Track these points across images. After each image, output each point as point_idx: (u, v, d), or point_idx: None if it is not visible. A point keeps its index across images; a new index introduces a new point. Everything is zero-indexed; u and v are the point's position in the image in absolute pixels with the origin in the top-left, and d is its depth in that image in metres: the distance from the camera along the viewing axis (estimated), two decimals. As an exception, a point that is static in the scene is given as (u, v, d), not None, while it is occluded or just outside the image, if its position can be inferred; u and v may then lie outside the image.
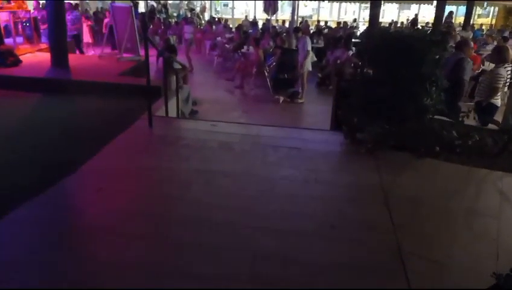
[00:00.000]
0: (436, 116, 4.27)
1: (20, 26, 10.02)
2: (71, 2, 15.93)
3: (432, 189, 3.46)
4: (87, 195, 3.15)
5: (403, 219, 2.98)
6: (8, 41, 9.23)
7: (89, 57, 9.43)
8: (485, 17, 26.85)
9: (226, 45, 13.61)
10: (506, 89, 6.03)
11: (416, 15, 23.15)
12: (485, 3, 24.36)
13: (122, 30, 8.10)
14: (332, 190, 3.36)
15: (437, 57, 3.92)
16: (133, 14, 7.93)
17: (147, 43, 4.50)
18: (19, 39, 9.88)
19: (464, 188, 3.58)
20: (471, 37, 16.68)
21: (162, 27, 18.30)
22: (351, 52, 10.75)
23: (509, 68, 5.56)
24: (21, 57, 7.91)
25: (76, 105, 5.70)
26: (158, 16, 19.90)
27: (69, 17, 11.53)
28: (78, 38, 11.47)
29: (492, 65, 5.93)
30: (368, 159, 3.92)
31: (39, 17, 10.44)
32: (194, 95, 8.57)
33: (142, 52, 8.54)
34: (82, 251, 2.51)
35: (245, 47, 11.82)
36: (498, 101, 5.62)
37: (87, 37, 12.73)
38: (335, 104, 6.11)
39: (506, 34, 16.82)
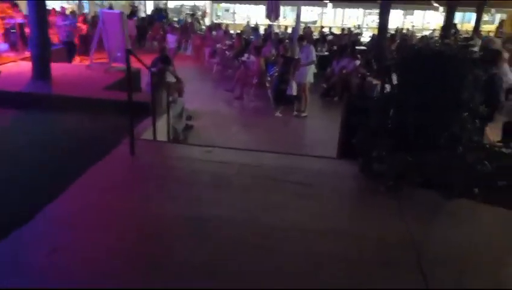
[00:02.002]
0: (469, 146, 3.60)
1: (4, 33, 9.40)
2: (65, 6, 15.40)
3: (475, 241, 2.80)
4: (38, 257, 2.45)
5: (444, 284, 2.33)
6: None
7: (76, 66, 8.80)
8: (490, 24, 26.22)
9: (226, 52, 13.01)
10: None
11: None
12: (493, 10, 23.78)
13: (112, 38, 7.46)
14: (354, 245, 2.69)
15: (478, 79, 3.27)
16: (123, 21, 7.29)
17: (128, 54, 3.85)
18: (4, 46, 9.26)
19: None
20: (478, 44, 16.06)
21: (161, 32, 17.78)
22: (358, 62, 10.14)
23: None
24: (3, 66, 7.32)
25: (50, 125, 5.04)
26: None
27: (63, 22, 10.94)
28: (72, 46, 10.82)
29: None
30: (389, 201, 3.26)
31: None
32: (190, 106, 7.94)
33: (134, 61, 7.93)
34: None
35: (245, 55, 11.20)
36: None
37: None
38: (344, 126, 5.45)
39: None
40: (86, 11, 20.07)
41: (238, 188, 3.42)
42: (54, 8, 12.72)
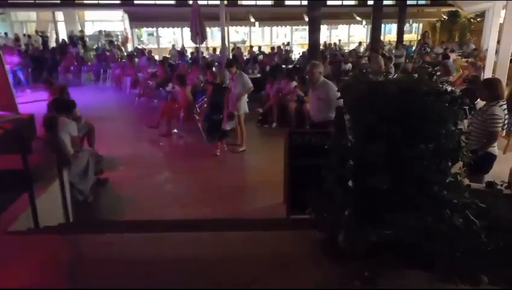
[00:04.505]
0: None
1: None
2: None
3: None
4: None
5: None
6: None
7: None
8: (408, 34, 27.63)
9: (149, 82, 11.70)
10: (504, 133, 4.84)
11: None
12: (410, 20, 25.00)
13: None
14: None
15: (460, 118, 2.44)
16: (3, 60, 5.80)
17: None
18: None
19: None
20: (404, 54, 16.38)
21: (75, 63, 16.05)
22: (294, 83, 9.39)
23: (504, 105, 4.35)
24: None
25: None
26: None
27: None
28: None
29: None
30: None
31: None
32: (106, 153, 6.56)
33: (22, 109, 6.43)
34: None
35: (170, 84, 10.01)
36: (495, 149, 4.39)
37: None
38: (289, 176, 4.54)
39: (439, 50, 16.75)
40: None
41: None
42: None
